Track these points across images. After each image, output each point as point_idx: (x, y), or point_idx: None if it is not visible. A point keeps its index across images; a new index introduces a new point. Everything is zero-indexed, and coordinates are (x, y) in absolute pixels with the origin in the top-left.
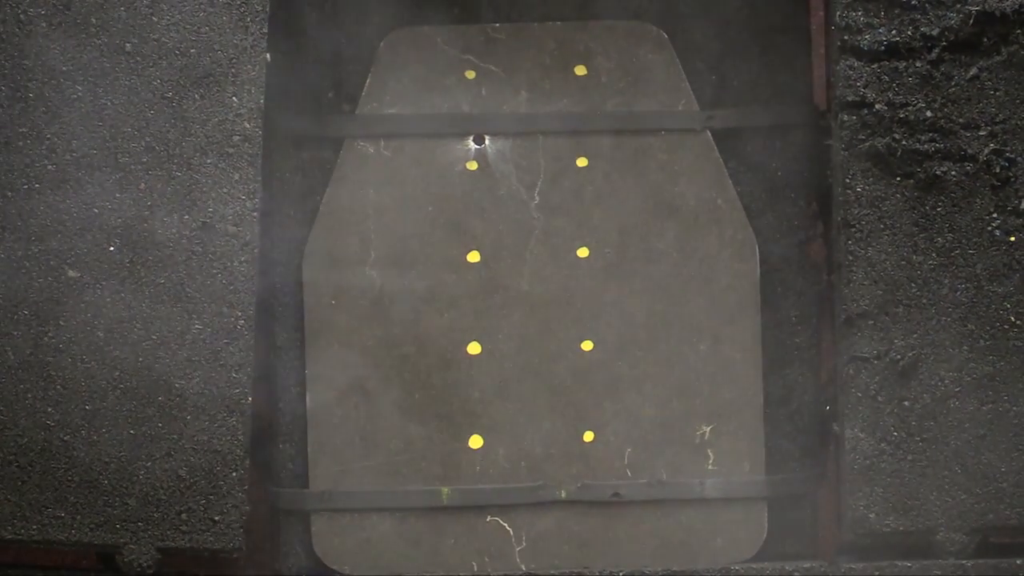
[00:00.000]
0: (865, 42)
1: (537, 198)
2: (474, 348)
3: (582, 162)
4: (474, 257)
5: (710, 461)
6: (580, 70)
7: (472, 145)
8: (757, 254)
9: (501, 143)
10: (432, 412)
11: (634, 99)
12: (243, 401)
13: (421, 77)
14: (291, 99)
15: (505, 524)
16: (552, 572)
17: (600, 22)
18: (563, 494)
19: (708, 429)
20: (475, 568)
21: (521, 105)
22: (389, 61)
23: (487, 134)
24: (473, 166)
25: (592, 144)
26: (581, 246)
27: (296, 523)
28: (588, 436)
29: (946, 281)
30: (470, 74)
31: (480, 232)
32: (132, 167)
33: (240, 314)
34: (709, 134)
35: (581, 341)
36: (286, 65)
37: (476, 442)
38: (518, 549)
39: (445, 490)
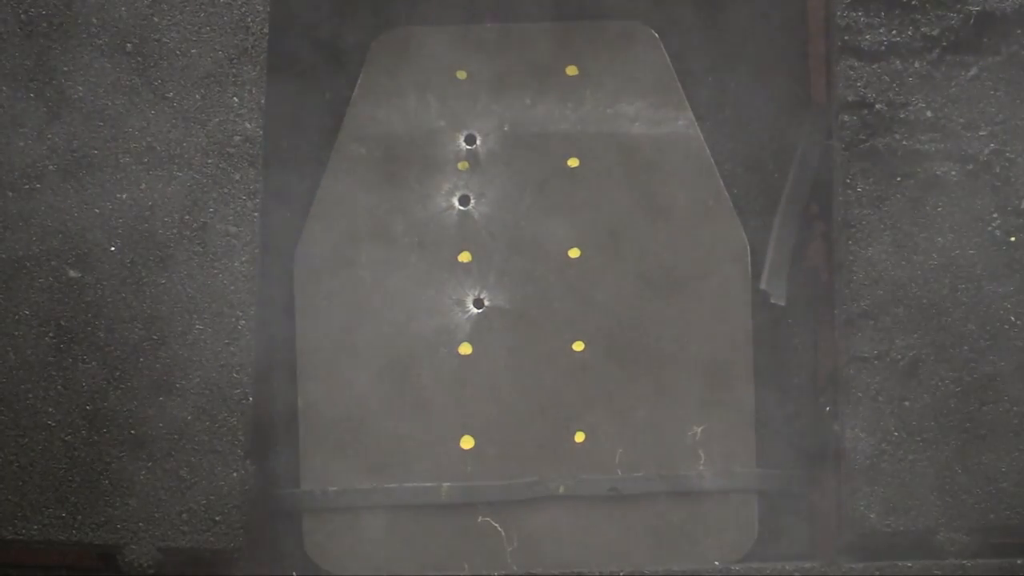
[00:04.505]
0: (865, 42)
1: (528, 198)
2: (465, 348)
3: (573, 162)
4: (465, 257)
5: (701, 461)
6: (571, 70)
7: (463, 145)
8: (748, 254)
9: (492, 143)
10: (423, 412)
11: (625, 99)
12: (243, 401)
13: (412, 77)
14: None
15: (497, 524)
16: (551, 572)
17: (591, 22)
18: (561, 489)
19: (699, 430)
20: (467, 568)
21: (512, 105)
22: (380, 61)
23: (478, 134)
24: (464, 166)
25: (583, 144)
26: (572, 246)
27: (288, 523)
28: (579, 437)
29: (946, 281)
30: (461, 74)
31: (471, 233)
32: (132, 167)
33: (240, 314)
34: (700, 134)
35: (572, 342)
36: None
37: (467, 443)
38: (509, 549)
39: (445, 486)
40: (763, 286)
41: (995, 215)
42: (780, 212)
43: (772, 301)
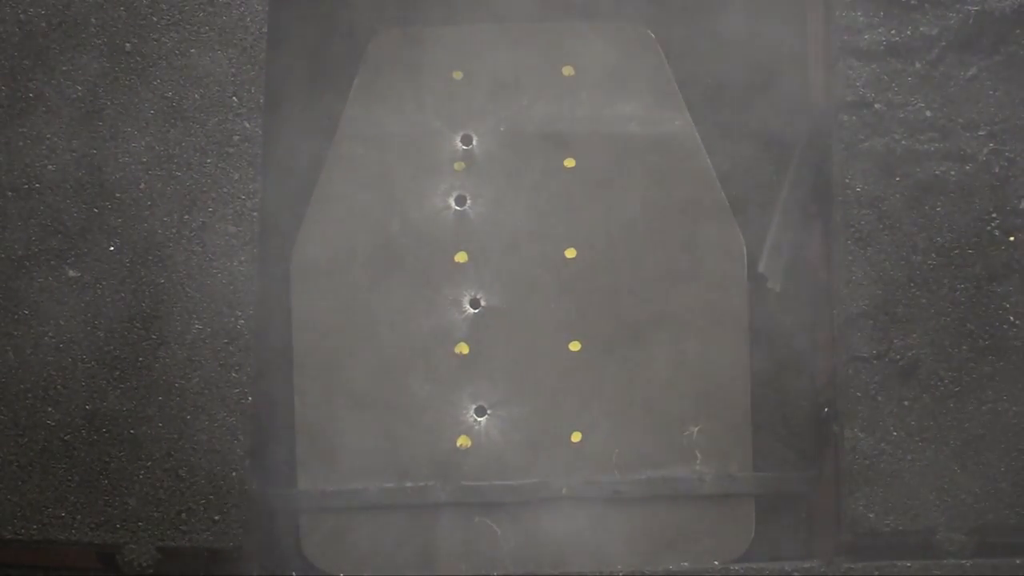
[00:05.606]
0: (865, 42)
1: (524, 199)
2: (462, 348)
3: (570, 163)
4: (462, 257)
5: (698, 461)
6: (568, 71)
7: (460, 146)
8: (745, 254)
9: (489, 144)
10: (420, 412)
11: (621, 99)
12: (243, 401)
13: (409, 78)
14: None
15: (493, 524)
16: (549, 572)
17: (588, 23)
18: (564, 491)
19: (696, 429)
20: (464, 568)
21: (509, 106)
22: (377, 61)
23: (475, 134)
24: (460, 166)
25: (580, 145)
26: (569, 247)
27: (286, 523)
28: (576, 436)
29: (946, 281)
30: (457, 75)
31: (467, 233)
32: (132, 167)
33: (240, 314)
34: (697, 134)
35: (569, 342)
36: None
37: (464, 442)
38: (507, 549)
39: (442, 486)
40: (761, 269)
41: (994, 215)
42: (782, 199)
43: (768, 285)
